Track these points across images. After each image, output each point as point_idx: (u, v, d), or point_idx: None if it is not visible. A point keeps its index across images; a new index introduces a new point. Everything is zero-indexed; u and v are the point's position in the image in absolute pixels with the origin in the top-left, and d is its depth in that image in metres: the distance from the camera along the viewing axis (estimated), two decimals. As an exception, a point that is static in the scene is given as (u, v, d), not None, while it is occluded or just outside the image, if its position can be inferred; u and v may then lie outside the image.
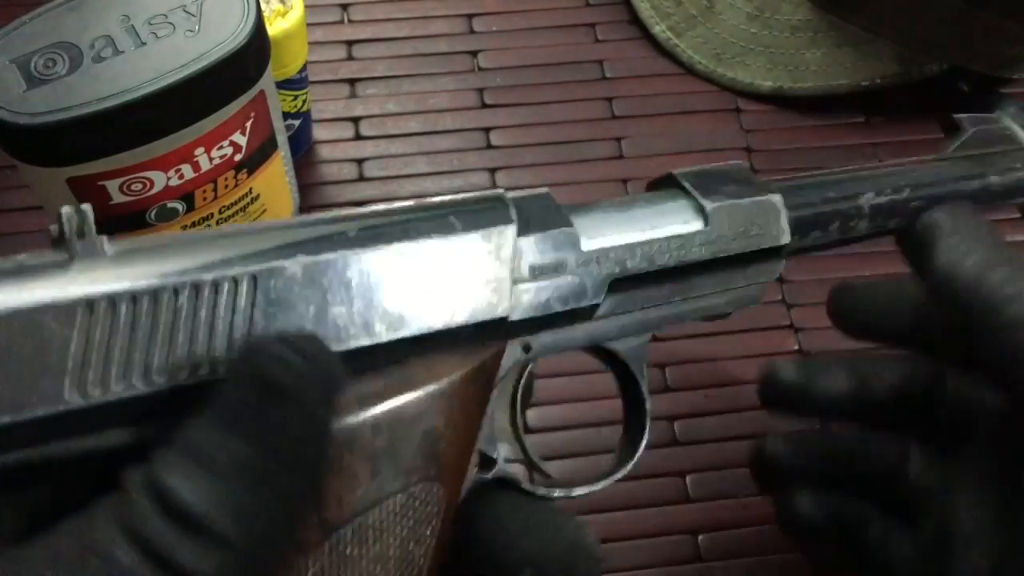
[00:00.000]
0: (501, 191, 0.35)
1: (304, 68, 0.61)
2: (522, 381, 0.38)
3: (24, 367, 0.26)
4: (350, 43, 0.73)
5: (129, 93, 0.45)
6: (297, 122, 0.64)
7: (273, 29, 0.55)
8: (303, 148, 0.67)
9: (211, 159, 0.50)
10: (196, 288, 0.28)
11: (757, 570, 0.57)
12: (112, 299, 0.27)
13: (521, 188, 0.37)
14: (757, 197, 0.40)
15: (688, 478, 0.59)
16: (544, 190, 0.36)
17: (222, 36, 0.47)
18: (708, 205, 0.38)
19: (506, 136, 0.70)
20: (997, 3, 0.64)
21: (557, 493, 0.38)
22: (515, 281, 0.34)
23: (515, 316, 0.34)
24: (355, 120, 0.70)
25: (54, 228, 0.28)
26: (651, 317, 0.39)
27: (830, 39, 0.71)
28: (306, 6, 0.58)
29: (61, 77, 0.45)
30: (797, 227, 0.41)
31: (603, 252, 0.36)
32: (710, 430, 0.61)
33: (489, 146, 0.70)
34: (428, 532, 0.31)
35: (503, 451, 0.36)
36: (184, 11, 0.47)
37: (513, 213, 0.34)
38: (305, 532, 0.28)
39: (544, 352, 0.37)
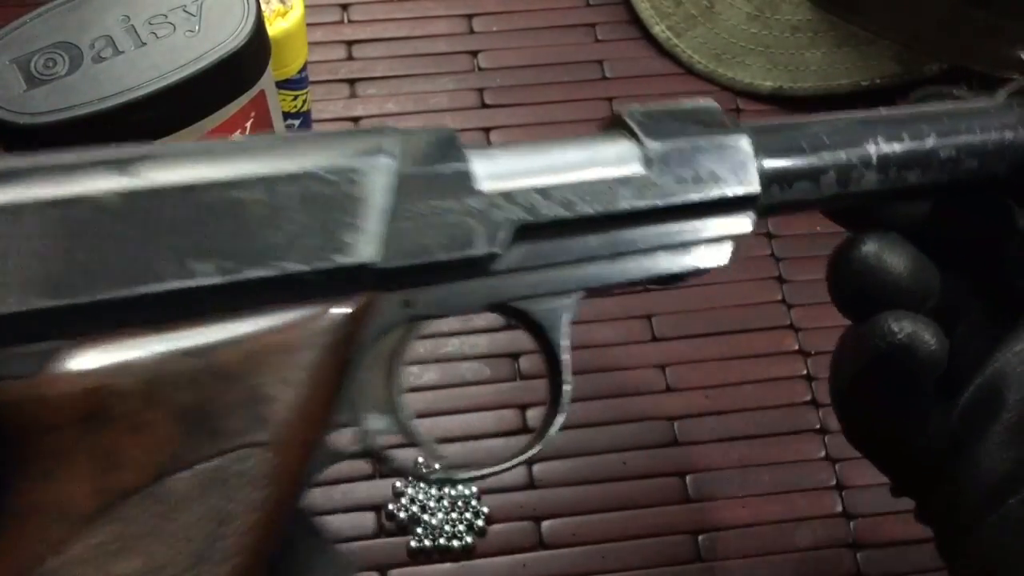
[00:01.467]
0: (391, 125, 0.31)
1: (304, 68, 0.61)
2: (405, 344, 0.32)
3: None
4: (350, 43, 0.73)
5: (129, 93, 0.45)
6: (297, 122, 0.64)
7: (273, 29, 0.55)
8: (303, 148, 0.67)
9: (211, 159, 0.50)
10: None
11: (758, 571, 0.57)
12: None
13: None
14: (714, 137, 0.34)
15: (688, 478, 0.59)
16: (445, 127, 0.31)
17: (222, 36, 0.47)
18: (651, 144, 0.33)
19: (506, 136, 0.70)
20: (997, 3, 0.64)
21: (437, 475, 0.34)
22: (388, 221, 0.29)
23: (385, 263, 0.29)
24: (355, 120, 0.70)
25: None
26: (574, 275, 0.33)
27: (830, 39, 0.71)
28: (306, 6, 0.58)
29: (61, 77, 0.45)
30: (776, 177, 0.34)
31: (506, 194, 0.31)
32: (710, 430, 0.61)
33: (489, 146, 0.70)
34: (247, 506, 0.27)
35: (376, 423, 0.32)
36: (184, 11, 0.47)
37: (392, 144, 0.29)
38: (80, 500, 0.25)
39: (433, 311, 0.31)
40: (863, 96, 0.71)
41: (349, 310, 0.29)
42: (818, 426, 0.61)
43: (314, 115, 0.67)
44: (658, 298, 0.64)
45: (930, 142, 0.36)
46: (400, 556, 0.55)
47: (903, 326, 0.36)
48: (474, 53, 0.74)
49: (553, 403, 0.34)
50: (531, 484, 0.58)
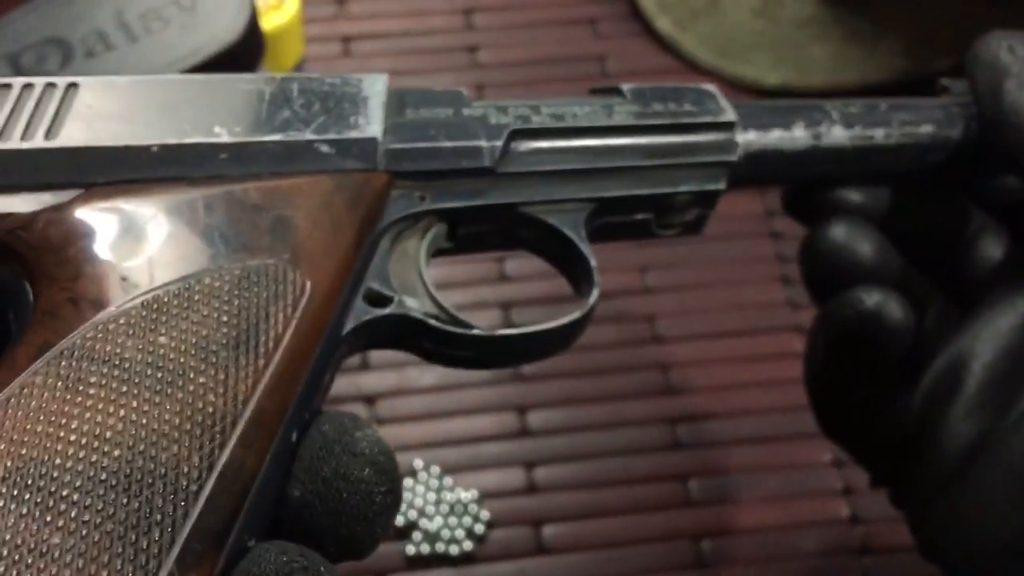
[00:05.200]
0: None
1: (300, 64, 0.61)
2: (427, 237, 0.35)
3: None
4: (347, 38, 0.73)
5: (120, 90, 0.44)
6: (293, 119, 0.63)
7: (268, 24, 0.55)
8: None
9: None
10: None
11: (761, 576, 0.56)
12: None
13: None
14: (680, 86, 0.39)
15: (691, 482, 0.58)
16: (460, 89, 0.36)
17: (216, 31, 0.46)
18: (626, 87, 0.38)
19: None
20: (1006, -2, 0.64)
21: (476, 331, 0.35)
22: (387, 116, 0.33)
23: (390, 143, 0.33)
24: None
25: None
26: (580, 187, 0.36)
27: (837, 34, 0.70)
28: (302, 0, 0.57)
29: (52, 73, 0.45)
30: (751, 122, 0.39)
31: (499, 107, 0.35)
32: (712, 433, 0.60)
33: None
34: (278, 313, 0.29)
35: (412, 304, 0.34)
36: (177, 6, 0.47)
37: (386, 80, 0.35)
38: (109, 290, 0.28)
39: (444, 203, 0.34)
40: (871, 92, 0.70)
41: (365, 179, 0.32)
42: (816, 415, 0.60)
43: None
44: (660, 299, 0.64)
45: (882, 107, 0.41)
46: (397, 563, 0.55)
47: (871, 296, 0.39)
48: (473, 48, 0.73)
49: (587, 282, 0.36)
50: (532, 488, 0.58)
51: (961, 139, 0.42)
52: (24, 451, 0.24)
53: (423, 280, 0.34)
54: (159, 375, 0.27)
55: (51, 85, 0.31)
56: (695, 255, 0.65)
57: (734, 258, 0.65)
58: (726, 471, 0.59)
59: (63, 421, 0.25)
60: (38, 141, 0.29)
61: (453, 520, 0.55)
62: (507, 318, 0.62)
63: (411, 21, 0.74)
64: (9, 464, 0.24)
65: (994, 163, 0.42)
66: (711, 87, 0.39)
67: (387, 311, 0.33)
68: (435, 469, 0.57)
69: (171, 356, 0.27)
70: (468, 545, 0.55)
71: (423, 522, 0.55)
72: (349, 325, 0.32)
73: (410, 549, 0.54)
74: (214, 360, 0.27)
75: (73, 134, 0.30)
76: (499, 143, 0.34)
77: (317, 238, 0.30)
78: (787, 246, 0.66)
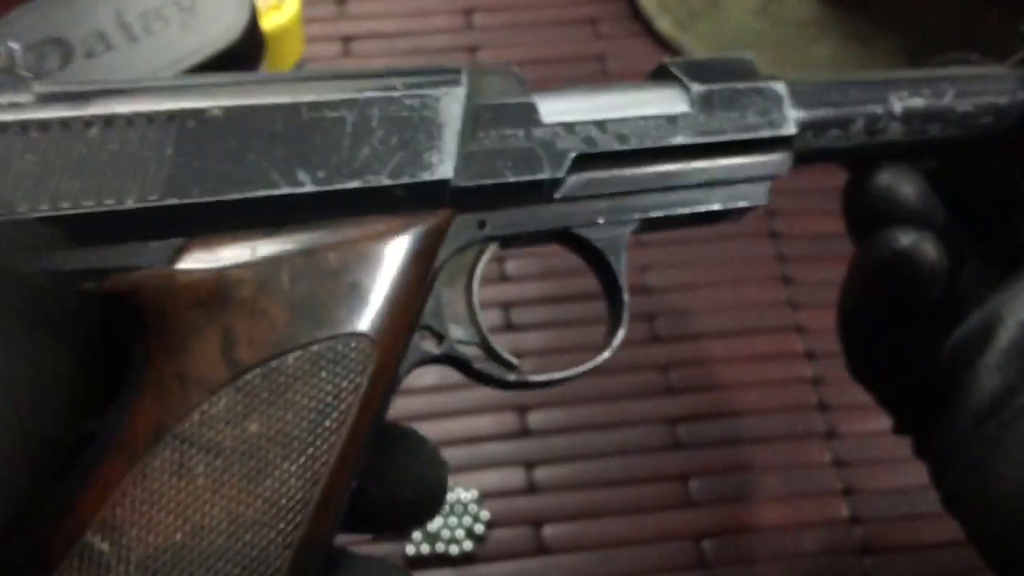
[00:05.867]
0: (459, 64, 0.34)
1: (300, 64, 0.60)
2: (479, 263, 0.35)
3: None
4: (347, 39, 0.72)
5: (120, 90, 0.44)
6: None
7: (268, 24, 0.54)
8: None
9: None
10: (109, 122, 0.28)
11: (762, 576, 0.56)
12: (23, 125, 0.28)
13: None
14: (755, 83, 0.38)
15: (691, 482, 0.58)
16: (512, 67, 0.35)
17: (216, 31, 0.46)
18: (695, 87, 0.36)
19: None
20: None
21: (512, 377, 0.36)
22: (463, 144, 0.32)
23: (460, 182, 0.32)
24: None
25: None
26: (630, 205, 0.36)
27: (837, 34, 0.70)
28: (302, 1, 0.57)
29: (52, 73, 0.45)
30: (811, 124, 0.38)
31: (567, 126, 0.34)
32: (713, 433, 0.60)
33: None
34: (351, 388, 0.30)
35: (457, 333, 0.35)
36: (177, 6, 0.47)
37: (464, 79, 0.33)
38: (212, 370, 0.29)
39: (503, 231, 0.34)
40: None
41: (432, 222, 0.32)
42: (825, 430, 0.60)
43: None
44: (660, 299, 0.64)
45: (949, 98, 0.40)
46: (397, 563, 0.55)
47: (908, 235, 0.40)
48: (473, 49, 0.73)
49: (615, 319, 0.38)
50: (532, 488, 0.57)
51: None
52: (151, 539, 0.27)
53: (473, 310, 0.35)
54: (251, 463, 0.29)
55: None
56: (695, 255, 0.65)
57: (734, 258, 0.65)
58: (726, 471, 0.59)
59: (179, 509, 0.28)
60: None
61: (453, 520, 0.55)
62: (507, 318, 0.62)
63: (411, 21, 0.73)
64: (141, 552, 0.27)
65: None
66: (779, 87, 0.38)
67: (439, 352, 0.34)
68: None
69: (261, 445, 0.29)
70: (468, 545, 0.55)
71: (423, 522, 0.55)
72: (404, 368, 0.33)
73: (410, 549, 0.54)
74: (296, 446, 0.29)
75: (176, 184, 0.29)
76: (561, 174, 0.34)
77: (386, 300, 0.31)
78: (787, 246, 0.66)
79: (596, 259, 0.37)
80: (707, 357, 0.62)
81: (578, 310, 0.62)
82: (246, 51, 0.47)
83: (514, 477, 0.58)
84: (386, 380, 0.32)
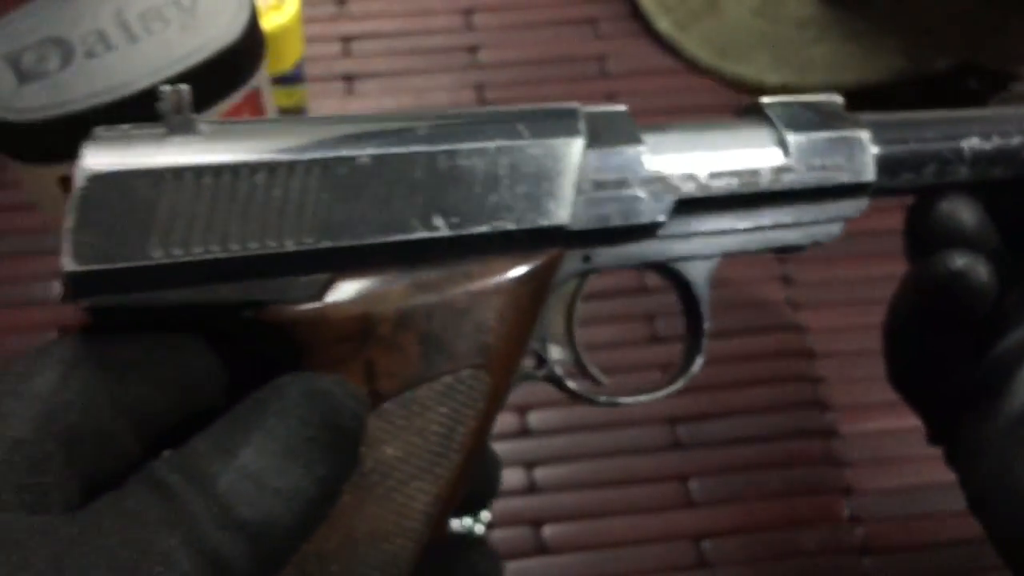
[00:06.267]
0: (576, 105, 0.36)
1: (300, 64, 0.61)
2: (580, 290, 0.39)
3: (119, 223, 0.29)
4: (347, 38, 0.73)
5: (122, 89, 0.45)
6: (293, 119, 0.63)
7: (268, 24, 0.55)
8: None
9: (205, 157, 0.49)
10: (272, 169, 0.31)
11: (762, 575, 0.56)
12: (197, 171, 0.30)
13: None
14: (843, 132, 0.39)
15: (691, 482, 0.58)
16: (621, 107, 0.37)
17: (216, 31, 0.46)
18: (789, 136, 0.38)
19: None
20: (1005, -2, 0.64)
21: (603, 399, 0.40)
22: (578, 192, 0.35)
23: (575, 226, 0.35)
24: (352, 117, 0.69)
25: (158, 105, 0.31)
26: (720, 243, 0.39)
27: (837, 34, 0.70)
28: (302, 0, 0.57)
29: (53, 73, 0.45)
30: (887, 166, 0.40)
31: (672, 173, 0.36)
32: (712, 433, 0.60)
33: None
34: (472, 415, 0.33)
35: (555, 354, 0.38)
36: (177, 6, 0.47)
37: (582, 126, 0.35)
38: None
39: (605, 265, 0.37)
40: (871, 92, 0.70)
41: (545, 259, 0.35)
42: (824, 429, 0.60)
43: (310, 112, 0.67)
44: (659, 298, 0.64)
45: (1015, 140, 0.42)
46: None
47: (963, 257, 0.42)
48: (473, 48, 0.73)
49: (695, 345, 0.41)
50: (532, 488, 0.58)
51: None
52: (306, 546, 0.30)
53: (571, 333, 0.39)
54: (387, 483, 0.32)
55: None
56: (695, 255, 0.65)
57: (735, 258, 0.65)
58: (726, 471, 0.59)
59: (330, 521, 0.31)
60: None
61: (453, 520, 0.55)
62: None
63: (411, 21, 0.74)
64: (295, 556, 0.29)
65: None
66: (864, 135, 0.40)
67: (541, 374, 0.38)
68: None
69: (395, 466, 0.32)
70: (468, 545, 0.55)
71: (423, 522, 0.55)
72: (511, 388, 0.36)
73: (410, 549, 0.54)
74: (425, 466, 0.33)
75: (329, 227, 0.32)
76: (663, 219, 0.36)
77: (504, 335, 0.34)
78: (787, 246, 0.66)
79: (684, 289, 0.40)
80: (707, 356, 0.62)
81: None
82: (246, 51, 0.47)
83: (514, 477, 0.58)
84: (499, 402, 0.35)
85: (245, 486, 0.27)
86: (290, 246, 0.31)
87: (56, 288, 0.61)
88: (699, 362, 0.41)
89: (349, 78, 0.71)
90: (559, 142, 0.34)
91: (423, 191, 0.33)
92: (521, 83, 0.72)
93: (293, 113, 0.63)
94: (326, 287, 0.32)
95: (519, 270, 0.34)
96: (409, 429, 0.32)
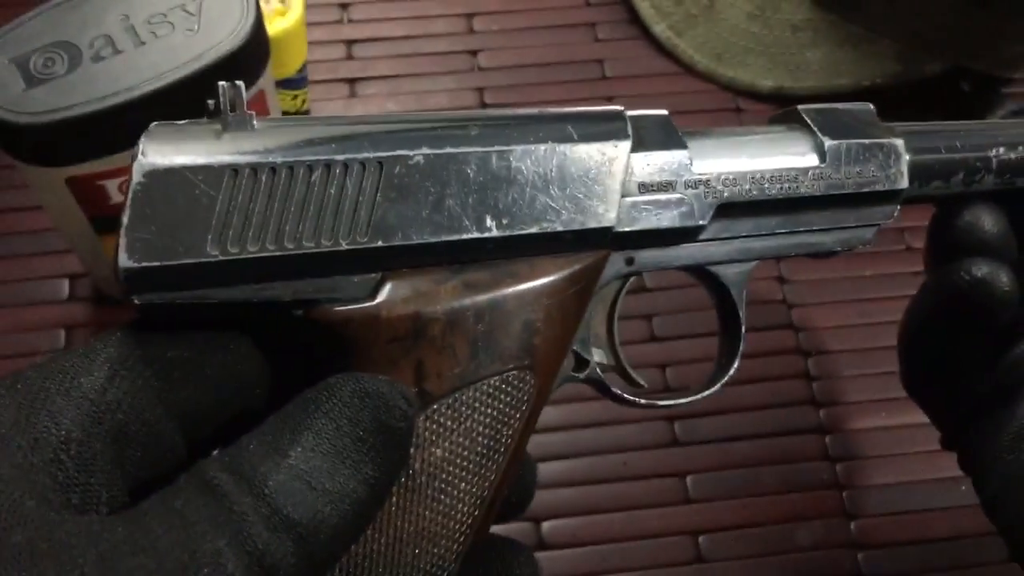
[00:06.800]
0: (621, 108, 0.36)
1: (303, 67, 0.61)
2: (622, 292, 0.39)
3: (175, 220, 0.29)
4: (350, 42, 0.73)
5: (128, 92, 0.45)
6: (297, 121, 0.64)
7: (272, 28, 0.55)
8: (303, 147, 0.67)
9: (210, 159, 0.50)
10: (328, 167, 0.31)
11: (758, 571, 0.57)
12: (254, 168, 0.30)
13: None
14: (879, 139, 0.40)
15: (688, 479, 0.59)
16: (663, 112, 0.37)
17: (221, 35, 0.47)
18: (827, 142, 0.39)
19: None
20: (998, 3, 0.64)
21: (643, 401, 0.40)
22: (624, 195, 0.35)
23: (620, 228, 0.35)
24: (355, 119, 0.70)
25: (211, 102, 0.31)
26: (757, 246, 0.39)
27: (831, 38, 0.71)
28: (306, 5, 0.58)
29: (60, 76, 0.45)
30: (918, 174, 0.41)
31: (714, 177, 0.37)
32: (710, 430, 0.61)
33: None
34: (517, 416, 0.33)
35: (597, 356, 0.38)
36: (183, 10, 0.47)
37: (630, 129, 0.35)
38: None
39: (646, 267, 0.38)
40: (864, 95, 0.70)
41: (591, 261, 0.35)
42: (819, 426, 0.61)
43: (314, 114, 0.67)
44: (658, 298, 0.64)
45: None
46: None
47: (986, 265, 0.43)
48: (474, 52, 0.74)
49: (732, 349, 0.42)
50: (531, 484, 0.58)
51: None
52: (354, 547, 0.31)
53: (613, 335, 0.39)
54: (435, 484, 0.32)
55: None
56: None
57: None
58: (723, 467, 0.60)
59: (378, 524, 0.31)
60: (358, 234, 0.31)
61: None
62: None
63: (413, 25, 0.74)
64: (344, 558, 0.31)
65: None
66: (899, 143, 0.40)
67: (583, 376, 0.38)
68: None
69: (444, 467, 0.32)
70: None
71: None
72: (554, 389, 0.36)
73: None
74: (471, 467, 0.33)
75: (383, 226, 0.31)
76: (705, 222, 0.37)
77: (550, 336, 0.34)
78: (783, 246, 0.66)
79: (721, 292, 0.41)
80: (703, 355, 0.63)
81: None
82: (251, 55, 0.48)
83: (514, 473, 0.58)
84: (542, 403, 0.35)
85: (295, 486, 0.26)
86: (344, 245, 0.31)
87: (64, 288, 0.61)
88: (735, 364, 0.42)
89: (352, 81, 0.72)
90: (607, 145, 0.35)
91: (474, 191, 0.32)
92: (521, 86, 0.72)
93: (296, 116, 0.63)
94: (378, 287, 0.32)
95: (566, 271, 0.34)
96: (457, 431, 0.32)
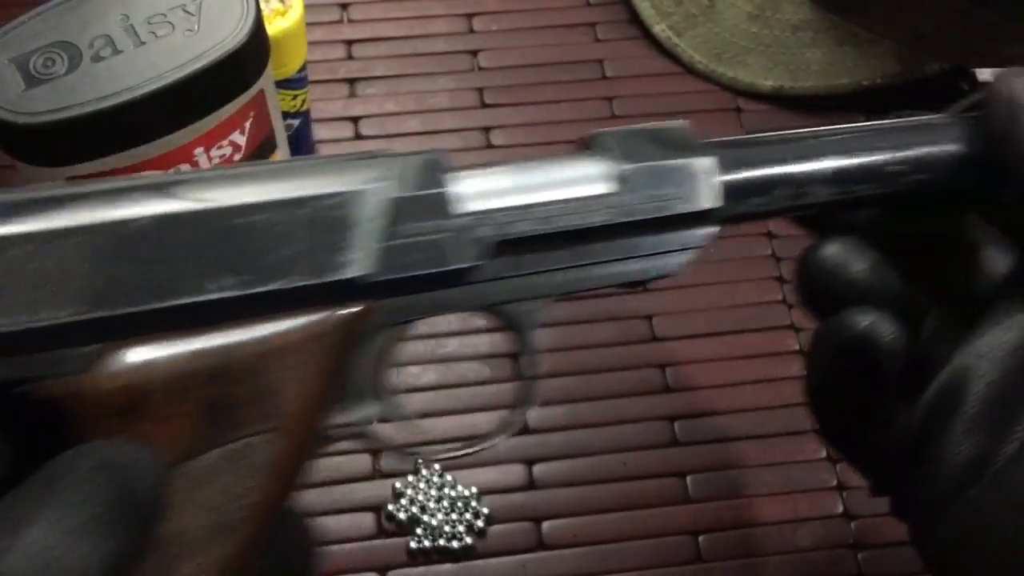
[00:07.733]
0: (380, 150, 0.34)
1: (303, 67, 0.61)
2: (394, 340, 0.36)
3: None
4: (349, 42, 0.73)
5: (128, 92, 0.45)
6: (296, 122, 0.64)
7: (272, 28, 0.55)
8: (303, 148, 0.67)
9: (210, 159, 0.50)
10: (41, 239, 0.29)
11: (757, 571, 0.57)
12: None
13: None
14: (681, 160, 0.36)
15: (689, 479, 0.59)
16: (433, 151, 0.34)
17: (221, 35, 0.47)
18: (624, 167, 0.36)
19: (506, 136, 0.70)
20: (998, 2, 0.64)
21: (414, 452, 0.38)
22: (382, 240, 0.32)
23: (378, 277, 0.32)
24: (355, 120, 0.70)
25: None
26: (550, 282, 0.36)
27: (831, 38, 0.71)
28: (305, 5, 0.58)
29: (60, 76, 0.45)
30: (735, 191, 0.37)
31: (488, 214, 0.34)
32: (710, 430, 0.61)
33: (489, 145, 0.70)
34: (263, 480, 0.31)
35: (369, 409, 0.35)
36: (183, 10, 0.47)
37: (387, 171, 0.33)
38: None
39: (420, 314, 0.35)
40: (864, 95, 0.71)
41: (349, 315, 0.32)
42: (819, 426, 0.61)
43: (313, 115, 0.67)
44: (658, 298, 0.64)
45: (880, 157, 0.38)
46: (400, 557, 0.55)
47: (862, 319, 0.39)
48: (474, 52, 0.74)
49: (524, 394, 0.39)
50: (531, 485, 0.58)
51: (968, 155, 0.39)
52: None
53: (385, 386, 0.36)
54: (172, 554, 0.30)
55: None
56: (692, 255, 0.66)
57: (730, 258, 0.66)
58: (723, 467, 0.60)
59: None
60: None
61: (454, 516, 0.56)
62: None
63: (413, 25, 0.74)
64: None
65: (1001, 179, 0.39)
66: (709, 160, 0.37)
67: (349, 431, 0.35)
68: (435, 466, 0.57)
69: (180, 537, 0.30)
70: (469, 540, 0.56)
71: (425, 518, 0.56)
72: (314, 451, 0.34)
73: (413, 543, 0.55)
74: (209, 536, 0.31)
75: (105, 294, 0.29)
76: (480, 262, 0.34)
77: (302, 395, 0.32)
78: (782, 245, 0.67)
79: (514, 333, 0.37)
80: (704, 355, 0.63)
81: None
82: (251, 55, 0.48)
83: (513, 473, 0.58)
84: (296, 468, 0.33)
85: (30, 565, 0.25)
86: (63, 317, 0.28)
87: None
88: (526, 413, 0.38)
89: (352, 81, 0.72)
90: (357, 189, 0.32)
91: (209, 249, 0.30)
92: (521, 86, 0.72)
93: (296, 116, 0.63)
94: (100, 358, 0.29)
95: (316, 328, 0.32)
96: (194, 500, 0.30)
